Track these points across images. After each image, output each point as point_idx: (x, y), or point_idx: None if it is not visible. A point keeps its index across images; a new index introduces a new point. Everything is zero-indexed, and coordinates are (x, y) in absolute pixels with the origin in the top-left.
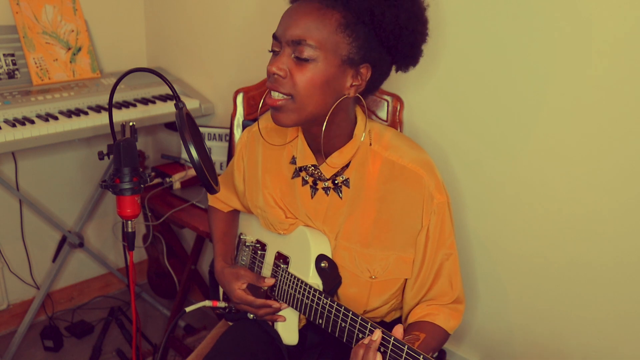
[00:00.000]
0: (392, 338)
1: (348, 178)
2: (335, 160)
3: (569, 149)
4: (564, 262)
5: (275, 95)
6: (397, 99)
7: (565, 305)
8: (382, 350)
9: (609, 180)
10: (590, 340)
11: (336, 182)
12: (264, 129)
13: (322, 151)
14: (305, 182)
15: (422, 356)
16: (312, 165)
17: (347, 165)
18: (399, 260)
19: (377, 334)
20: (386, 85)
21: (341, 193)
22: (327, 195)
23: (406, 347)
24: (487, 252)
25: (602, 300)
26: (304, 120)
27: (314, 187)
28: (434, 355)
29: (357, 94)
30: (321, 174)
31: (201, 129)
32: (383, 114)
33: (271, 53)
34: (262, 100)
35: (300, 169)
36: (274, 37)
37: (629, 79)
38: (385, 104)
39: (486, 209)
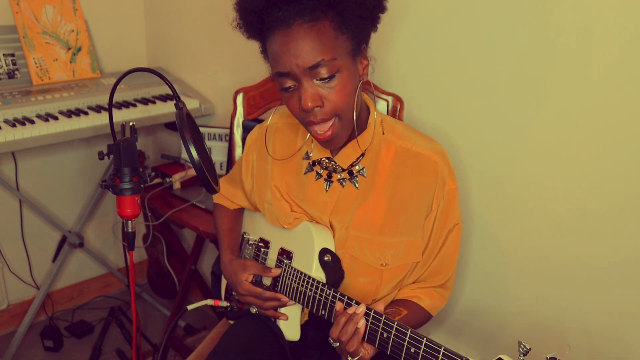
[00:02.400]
0: (372, 311)
1: (364, 167)
2: (351, 151)
3: (568, 149)
4: (563, 261)
5: (324, 126)
6: (397, 99)
7: (566, 304)
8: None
9: (610, 179)
10: (594, 328)
11: (352, 172)
12: (284, 124)
13: (344, 143)
14: (319, 175)
15: (395, 323)
16: (327, 158)
17: (362, 155)
18: (409, 245)
19: (362, 308)
20: (386, 85)
21: (357, 183)
22: (343, 186)
23: (383, 317)
24: (485, 249)
25: (603, 300)
26: (352, 128)
27: (329, 180)
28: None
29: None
30: (336, 165)
31: (201, 129)
32: (383, 113)
33: (284, 91)
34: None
35: (314, 163)
36: (282, 74)
37: (629, 78)
38: (385, 104)
39: (487, 209)
